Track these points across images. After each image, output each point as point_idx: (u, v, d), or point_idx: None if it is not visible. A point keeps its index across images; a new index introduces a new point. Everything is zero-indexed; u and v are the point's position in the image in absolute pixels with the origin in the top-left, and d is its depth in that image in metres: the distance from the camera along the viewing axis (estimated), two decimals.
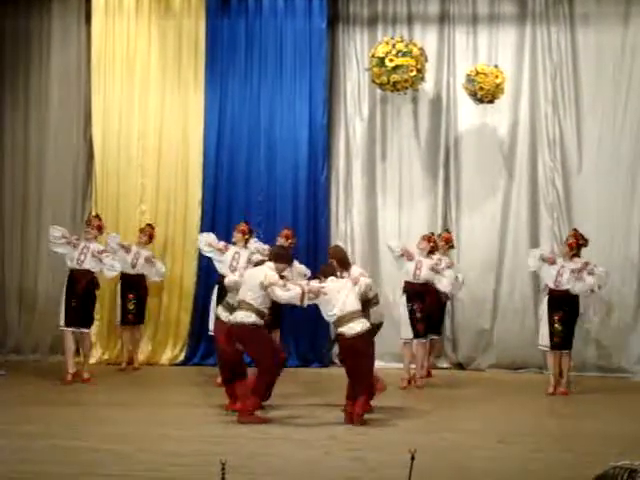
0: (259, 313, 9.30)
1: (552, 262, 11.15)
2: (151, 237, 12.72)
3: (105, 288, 12.59)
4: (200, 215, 13.29)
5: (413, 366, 11.61)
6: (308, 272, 11.29)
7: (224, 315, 9.70)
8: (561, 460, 7.82)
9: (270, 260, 9.64)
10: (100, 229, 11.83)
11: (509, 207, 13.15)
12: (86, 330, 11.72)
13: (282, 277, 9.51)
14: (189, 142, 13.39)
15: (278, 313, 12.13)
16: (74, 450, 7.89)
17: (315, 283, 9.46)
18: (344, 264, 9.84)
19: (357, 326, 9.17)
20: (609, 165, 12.83)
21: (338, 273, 9.67)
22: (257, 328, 9.35)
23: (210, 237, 11.81)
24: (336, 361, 12.40)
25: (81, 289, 11.45)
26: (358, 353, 9.18)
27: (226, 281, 10.38)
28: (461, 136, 13.28)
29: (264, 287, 9.25)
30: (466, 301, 12.98)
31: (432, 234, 11.88)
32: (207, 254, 11.85)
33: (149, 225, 12.83)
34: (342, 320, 9.19)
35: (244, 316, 9.26)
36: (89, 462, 7.49)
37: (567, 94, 12.97)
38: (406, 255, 11.46)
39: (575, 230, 11.56)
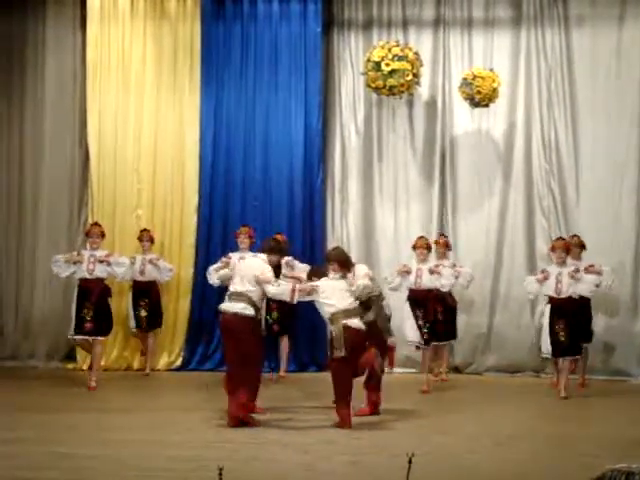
0: (255, 306, 9.30)
1: (546, 278, 11.17)
2: (152, 240, 12.73)
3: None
4: (196, 219, 13.28)
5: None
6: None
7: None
8: (558, 463, 7.81)
9: (263, 252, 9.66)
10: (102, 235, 11.88)
11: (505, 210, 13.15)
12: (101, 338, 11.74)
13: (277, 272, 9.56)
14: (185, 147, 13.38)
15: (290, 320, 12.22)
16: (71, 456, 7.87)
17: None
18: (346, 265, 9.77)
19: (358, 322, 9.20)
20: (604, 167, 12.83)
21: (340, 275, 9.67)
22: (255, 321, 9.36)
23: (214, 278, 11.27)
24: None
25: (95, 298, 11.53)
26: (361, 348, 9.20)
27: (220, 274, 10.40)
28: (457, 139, 13.28)
29: (258, 281, 9.27)
30: (463, 304, 12.96)
31: (421, 237, 11.87)
32: (223, 279, 10.63)
33: (145, 230, 12.81)
34: (339, 316, 9.18)
35: (243, 308, 9.23)
36: (86, 468, 7.47)
37: (562, 96, 12.98)
38: (402, 273, 11.49)
39: (575, 236, 11.84)
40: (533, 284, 11.35)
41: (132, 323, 12.68)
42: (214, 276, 11.45)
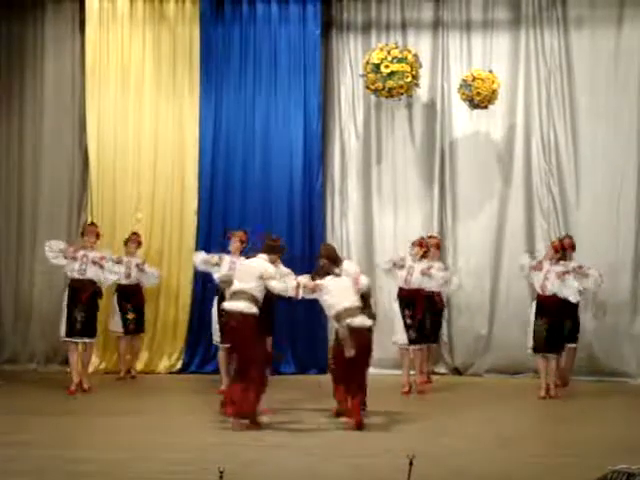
0: (257, 303, 9.31)
1: (539, 269, 11.20)
2: (139, 243, 12.68)
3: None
4: (196, 223, 13.27)
5: (412, 372, 11.64)
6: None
7: None
8: (559, 464, 7.81)
9: (263, 251, 9.66)
10: (97, 236, 11.78)
11: (505, 212, 13.15)
12: (90, 340, 11.65)
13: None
14: (184, 150, 13.38)
15: (270, 319, 12.14)
16: (71, 459, 7.86)
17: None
18: (335, 261, 9.86)
19: (364, 320, 9.21)
20: (604, 168, 12.84)
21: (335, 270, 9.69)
22: (257, 320, 9.33)
23: (202, 255, 11.60)
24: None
25: (85, 299, 11.40)
26: (365, 347, 9.20)
27: (218, 276, 10.37)
28: (456, 141, 13.28)
29: (262, 278, 9.27)
30: (463, 306, 12.99)
31: (423, 238, 11.86)
32: (206, 271, 11.60)
33: (134, 233, 12.75)
34: (343, 315, 9.20)
35: (247, 307, 9.25)
36: (86, 471, 7.47)
37: (561, 98, 12.98)
38: (397, 263, 11.50)
39: (567, 236, 11.75)
40: (525, 266, 11.39)
41: (118, 326, 12.58)
42: (201, 264, 11.46)
